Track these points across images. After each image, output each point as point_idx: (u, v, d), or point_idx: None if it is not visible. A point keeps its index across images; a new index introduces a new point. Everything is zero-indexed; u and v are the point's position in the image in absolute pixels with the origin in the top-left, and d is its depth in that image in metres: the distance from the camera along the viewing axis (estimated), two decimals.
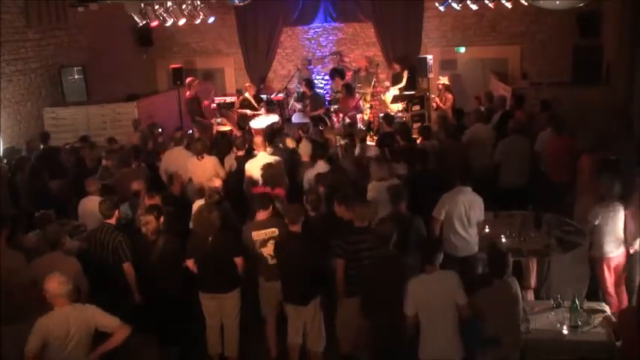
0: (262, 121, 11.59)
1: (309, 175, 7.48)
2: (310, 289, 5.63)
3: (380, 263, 5.28)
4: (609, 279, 6.26)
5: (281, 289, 5.74)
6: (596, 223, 6.15)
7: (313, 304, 5.68)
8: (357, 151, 8.55)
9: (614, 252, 6.21)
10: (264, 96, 13.66)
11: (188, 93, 12.29)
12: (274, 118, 11.95)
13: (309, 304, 5.66)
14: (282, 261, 5.65)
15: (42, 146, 9.71)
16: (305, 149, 8.13)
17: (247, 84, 12.91)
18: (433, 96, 12.17)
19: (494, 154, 8.34)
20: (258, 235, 5.87)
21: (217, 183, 7.08)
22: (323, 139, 9.37)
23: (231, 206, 6.98)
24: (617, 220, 6.15)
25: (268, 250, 5.84)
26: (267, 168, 7.29)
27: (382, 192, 6.53)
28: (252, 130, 10.68)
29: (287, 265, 5.60)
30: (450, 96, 12.11)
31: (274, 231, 5.82)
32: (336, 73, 13.13)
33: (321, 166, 7.59)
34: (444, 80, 12.48)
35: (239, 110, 12.34)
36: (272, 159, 7.78)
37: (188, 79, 12.54)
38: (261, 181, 7.37)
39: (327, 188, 6.74)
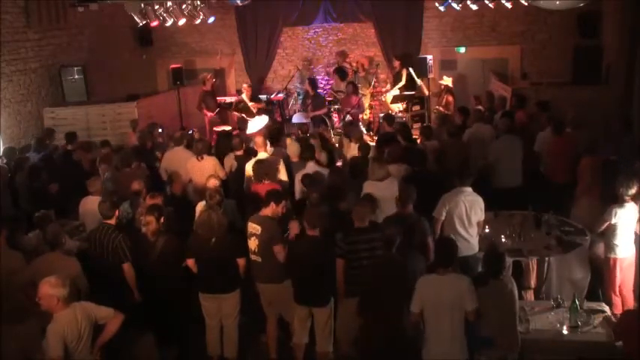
0: (255, 124, 11.55)
1: (299, 176, 7.46)
2: (327, 290, 5.65)
3: (381, 265, 5.27)
4: (619, 278, 6.24)
5: (294, 290, 5.75)
6: (614, 221, 6.12)
7: (330, 305, 5.71)
8: (353, 151, 8.53)
9: (628, 252, 6.21)
10: (264, 96, 13.66)
11: (204, 86, 12.24)
12: (264, 119, 11.86)
13: (327, 305, 5.69)
14: (298, 263, 5.64)
15: (47, 142, 9.79)
16: (293, 150, 8.13)
17: (244, 85, 12.87)
18: (438, 107, 12.11)
19: (488, 155, 8.34)
20: (249, 227, 5.93)
21: (214, 182, 7.04)
22: (323, 140, 9.35)
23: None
24: (632, 221, 6.14)
25: (251, 245, 5.89)
26: (257, 164, 7.30)
27: (381, 190, 6.54)
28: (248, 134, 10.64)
29: (303, 266, 5.59)
30: (450, 98, 12.02)
31: (258, 229, 5.83)
32: (338, 72, 13.12)
33: (311, 167, 7.59)
34: (448, 81, 12.36)
35: (234, 112, 12.33)
36: (268, 157, 7.78)
37: (202, 75, 12.49)
38: (253, 178, 7.39)
39: (327, 187, 6.76)
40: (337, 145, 9.96)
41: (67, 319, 4.49)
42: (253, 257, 5.91)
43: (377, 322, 5.20)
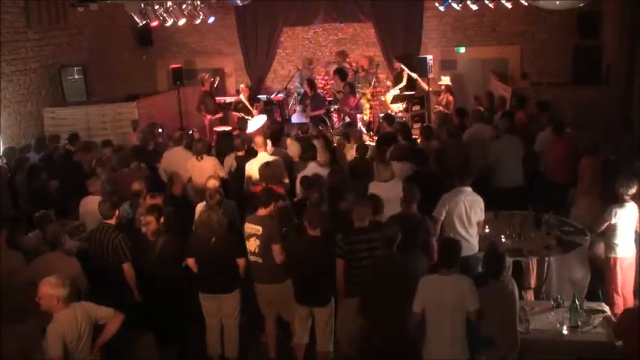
0: (254, 123, 11.56)
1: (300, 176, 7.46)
2: (328, 290, 5.65)
3: (382, 264, 5.27)
4: (620, 278, 6.24)
5: (295, 290, 5.76)
6: (614, 221, 6.12)
7: (330, 305, 5.71)
8: (353, 152, 8.53)
9: (628, 252, 6.21)
10: (264, 96, 13.66)
11: (203, 87, 12.24)
12: (263, 118, 11.87)
13: (328, 305, 5.69)
14: (298, 263, 5.65)
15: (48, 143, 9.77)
16: (293, 149, 8.12)
17: (242, 85, 12.87)
18: (438, 107, 12.14)
19: (488, 155, 8.34)
20: (247, 228, 5.91)
21: (213, 183, 7.04)
22: (326, 140, 9.34)
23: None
24: (633, 221, 6.14)
25: (250, 246, 5.87)
26: (264, 166, 7.29)
27: (386, 191, 6.53)
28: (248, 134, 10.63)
29: (303, 266, 5.59)
30: (451, 98, 12.08)
31: (258, 229, 5.81)
32: (339, 72, 13.13)
33: (312, 168, 7.58)
34: (446, 81, 12.38)
35: (233, 113, 12.34)
36: (271, 158, 7.77)
37: (200, 75, 12.50)
38: (257, 179, 7.37)
39: (328, 188, 6.75)
40: (336, 145, 9.96)
41: (67, 319, 4.49)
42: (253, 258, 5.90)
43: (378, 322, 5.20)
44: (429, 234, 5.91)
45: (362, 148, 8.10)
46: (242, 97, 12.32)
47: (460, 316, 4.78)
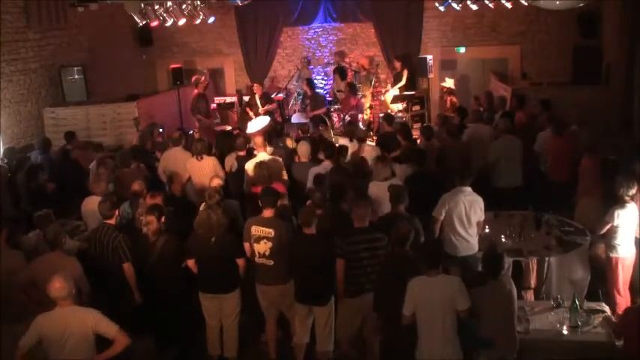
0: (255, 124, 11.55)
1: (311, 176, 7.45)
2: (327, 289, 5.65)
3: (395, 263, 5.27)
4: (622, 279, 6.24)
5: (295, 289, 5.76)
6: (616, 224, 6.12)
7: (330, 304, 5.70)
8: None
9: (629, 252, 6.21)
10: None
11: (196, 90, 12.23)
12: (265, 119, 11.85)
13: (327, 304, 5.68)
14: (297, 262, 5.65)
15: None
16: (303, 150, 8.12)
17: (255, 84, 12.84)
18: (446, 114, 12.15)
19: (488, 155, 8.34)
20: (255, 230, 5.88)
21: (217, 182, 7.05)
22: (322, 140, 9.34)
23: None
24: (633, 221, 6.14)
25: (259, 248, 5.84)
26: (257, 166, 7.28)
27: (384, 191, 6.53)
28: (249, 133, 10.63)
29: (302, 266, 5.60)
30: (455, 99, 12.10)
31: (270, 232, 5.79)
32: (339, 72, 13.12)
33: (328, 166, 7.57)
34: (450, 83, 12.36)
35: (247, 110, 12.32)
36: (268, 158, 7.78)
37: (195, 77, 12.49)
38: (255, 180, 7.36)
39: (329, 187, 6.75)
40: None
41: (55, 318, 4.50)
42: (262, 261, 5.84)
43: (389, 321, 5.20)
44: (418, 234, 5.91)
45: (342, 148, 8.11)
46: (256, 96, 12.35)
47: (451, 316, 4.76)
